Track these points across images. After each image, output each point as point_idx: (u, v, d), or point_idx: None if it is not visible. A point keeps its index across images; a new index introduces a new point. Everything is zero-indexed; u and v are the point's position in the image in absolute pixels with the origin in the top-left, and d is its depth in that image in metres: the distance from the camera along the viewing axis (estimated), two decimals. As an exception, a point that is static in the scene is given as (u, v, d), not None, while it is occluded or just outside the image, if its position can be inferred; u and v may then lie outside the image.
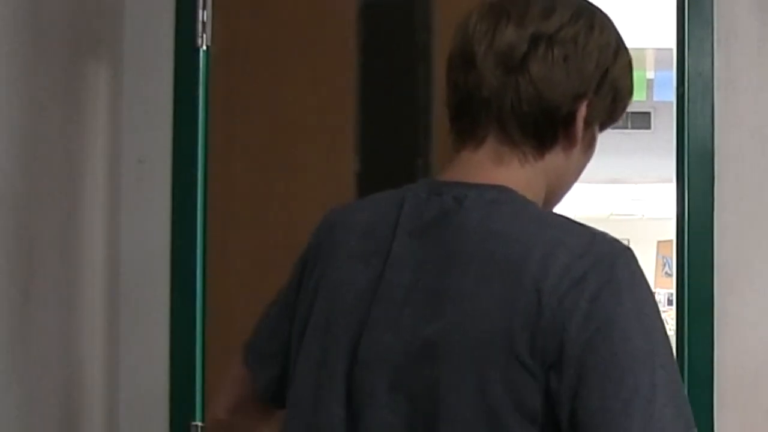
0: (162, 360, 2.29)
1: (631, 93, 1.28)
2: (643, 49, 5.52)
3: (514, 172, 1.20)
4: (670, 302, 10.59)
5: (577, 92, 1.19)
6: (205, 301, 2.28)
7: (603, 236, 1.12)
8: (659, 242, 11.67)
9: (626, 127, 7.67)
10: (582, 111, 1.20)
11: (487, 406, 1.07)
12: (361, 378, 1.16)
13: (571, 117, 1.20)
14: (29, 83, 1.90)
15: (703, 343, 2.04)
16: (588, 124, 1.22)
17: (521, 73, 1.17)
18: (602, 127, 1.28)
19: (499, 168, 1.20)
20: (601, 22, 1.22)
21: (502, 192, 1.17)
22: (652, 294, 1.10)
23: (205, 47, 2.30)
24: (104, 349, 2.25)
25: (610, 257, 1.09)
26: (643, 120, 8.03)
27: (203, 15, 2.29)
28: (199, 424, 2.27)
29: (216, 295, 2.28)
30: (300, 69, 2.24)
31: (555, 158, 1.22)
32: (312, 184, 2.22)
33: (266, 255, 2.25)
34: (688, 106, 2.06)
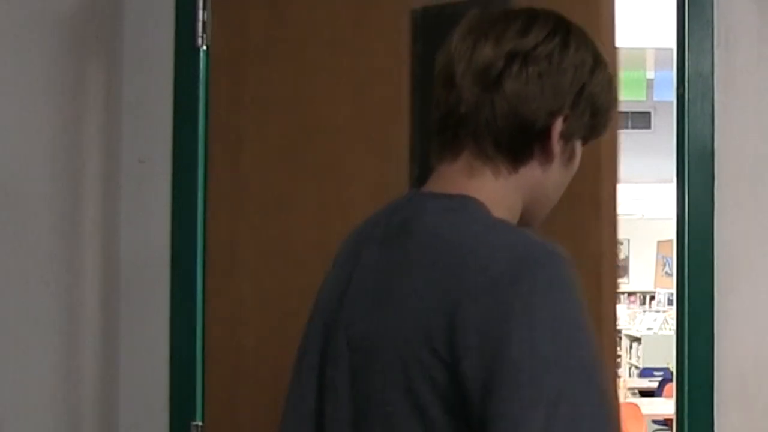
0: (162, 360, 2.29)
1: (612, 108, 1.32)
2: (643, 49, 5.52)
3: (486, 184, 1.24)
4: (670, 302, 10.59)
5: (551, 108, 1.23)
6: (205, 301, 2.28)
7: (531, 242, 1.14)
8: (659, 242, 11.67)
9: (626, 127, 7.68)
10: (557, 126, 1.24)
11: (414, 402, 1.12)
12: (329, 375, 1.25)
13: (547, 132, 1.24)
14: (30, 83, 1.90)
15: (703, 343, 2.03)
16: (567, 139, 1.26)
17: (497, 90, 1.22)
18: (585, 142, 1.31)
19: (471, 180, 1.24)
20: (577, 41, 1.26)
21: (459, 201, 1.22)
22: (573, 300, 1.10)
23: (205, 47, 2.30)
24: (104, 349, 2.25)
25: (530, 262, 1.11)
26: (643, 120, 8.05)
27: (203, 15, 2.29)
28: (199, 423, 2.27)
29: (216, 295, 2.27)
30: (302, 69, 2.23)
31: (531, 172, 1.26)
32: (314, 185, 2.21)
33: (266, 255, 2.24)
34: (688, 106, 2.07)
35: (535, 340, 1.06)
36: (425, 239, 1.19)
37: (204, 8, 2.29)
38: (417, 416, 1.12)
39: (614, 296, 1.87)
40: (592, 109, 1.27)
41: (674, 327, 2.18)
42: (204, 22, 2.29)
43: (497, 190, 1.25)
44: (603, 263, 1.86)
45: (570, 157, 1.29)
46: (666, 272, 11.50)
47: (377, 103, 2.17)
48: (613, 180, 1.88)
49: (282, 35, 2.23)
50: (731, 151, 2.06)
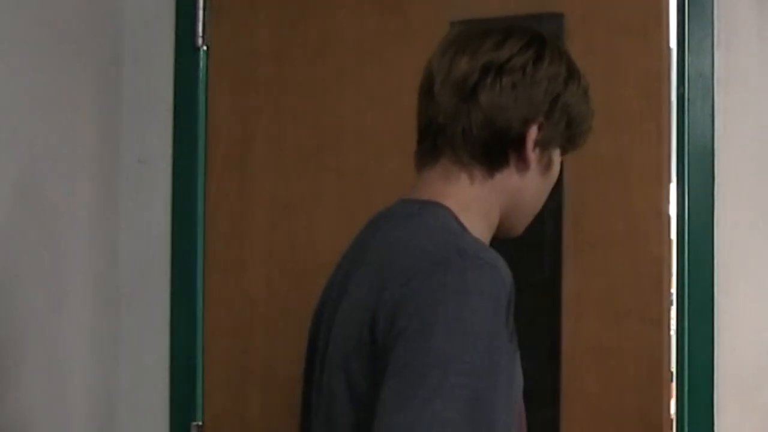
0: (162, 360, 2.29)
1: (587, 119, 1.37)
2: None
3: (460, 189, 1.30)
4: (670, 302, 10.56)
5: (526, 116, 1.28)
6: (205, 301, 2.28)
7: (457, 247, 1.18)
8: (660, 242, 11.62)
9: (627, 127, 7.64)
10: (532, 134, 1.29)
11: (353, 394, 1.19)
12: (314, 373, 1.32)
13: (521, 139, 1.29)
14: (30, 83, 1.90)
15: (703, 343, 2.03)
16: (543, 147, 1.31)
17: (472, 101, 1.28)
18: (564, 152, 1.37)
19: (446, 185, 1.30)
20: (551, 53, 1.32)
21: (422, 206, 1.28)
22: (482, 308, 1.12)
23: (205, 47, 2.30)
24: (104, 349, 2.25)
25: (445, 264, 1.14)
26: (643, 120, 8.00)
27: (203, 15, 2.29)
28: (199, 423, 2.27)
29: (216, 294, 2.28)
30: (321, 74, 2.22)
31: (508, 178, 1.31)
32: (316, 185, 2.21)
33: (271, 256, 2.25)
34: (688, 106, 2.06)
35: (428, 338, 1.09)
36: (379, 242, 1.26)
37: (204, 8, 2.29)
38: (353, 401, 1.19)
39: (670, 298, 1.95)
40: (567, 118, 1.32)
41: (674, 327, 2.18)
42: (204, 22, 2.29)
43: (472, 195, 1.30)
44: (663, 267, 1.95)
45: (547, 166, 1.34)
46: (666, 272, 11.46)
47: (408, 113, 2.17)
48: (668, 184, 1.95)
49: (296, 39, 2.23)
50: (731, 151, 2.06)
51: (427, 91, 1.33)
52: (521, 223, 1.39)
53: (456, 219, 1.26)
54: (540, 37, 1.33)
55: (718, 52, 2.06)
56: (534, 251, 2.01)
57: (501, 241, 1.42)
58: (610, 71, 2.02)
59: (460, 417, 1.06)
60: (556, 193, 1.99)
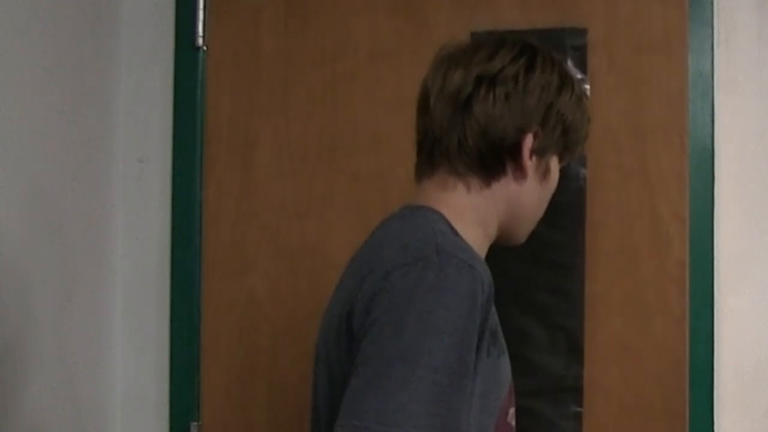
0: (162, 360, 2.29)
1: (583, 126, 1.39)
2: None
3: (456, 197, 1.32)
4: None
5: (520, 125, 1.30)
6: (205, 302, 2.28)
7: (438, 246, 1.19)
8: (659, 242, 11.62)
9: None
10: (527, 142, 1.31)
11: (331, 382, 1.23)
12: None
13: (517, 148, 1.31)
14: (29, 83, 1.90)
15: (703, 343, 2.04)
16: (540, 155, 1.33)
17: (466, 112, 1.30)
18: (561, 159, 1.38)
19: (443, 193, 1.33)
20: (543, 62, 1.34)
21: (414, 210, 1.31)
22: (453, 307, 1.14)
23: (205, 47, 2.29)
24: (104, 348, 2.25)
25: (424, 260, 1.16)
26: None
27: (203, 15, 2.29)
28: (199, 423, 2.27)
29: (216, 294, 2.27)
30: (334, 77, 2.21)
31: (505, 187, 1.33)
32: (325, 188, 2.21)
33: (270, 256, 2.24)
34: (688, 106, 2.07)
35: (400, 331, 1.11)
36: (368, 242, 1.30)
37: (204, 8, 2.29)
38: (331, 391, 1.23)
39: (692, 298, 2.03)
40: (562, 126, 1.34)
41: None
42: (204, 22, 2.29)
43: (468, 204, 1.32)
44: (686, 269, 2.02)
45: (545, 173, 1.35)
46: (666, 272, 11.46)
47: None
48: (688, 190, 2.03)
49: (302, 40, 2.23)
50: (731, 151, 2.06)
51: (423, 106, 1.36)
52: (522, 231, 1.40)
53: (448, 223, 1.28)
54: (531, 47, 1.34)
55: (718, 52, 2.07)
56: (557, 255, 2.06)
57: (524, 245, 1.44)
58: (634, 85, 2.06)
59: (423, 410, 1.08)
60: (580, 200, 2.04)
